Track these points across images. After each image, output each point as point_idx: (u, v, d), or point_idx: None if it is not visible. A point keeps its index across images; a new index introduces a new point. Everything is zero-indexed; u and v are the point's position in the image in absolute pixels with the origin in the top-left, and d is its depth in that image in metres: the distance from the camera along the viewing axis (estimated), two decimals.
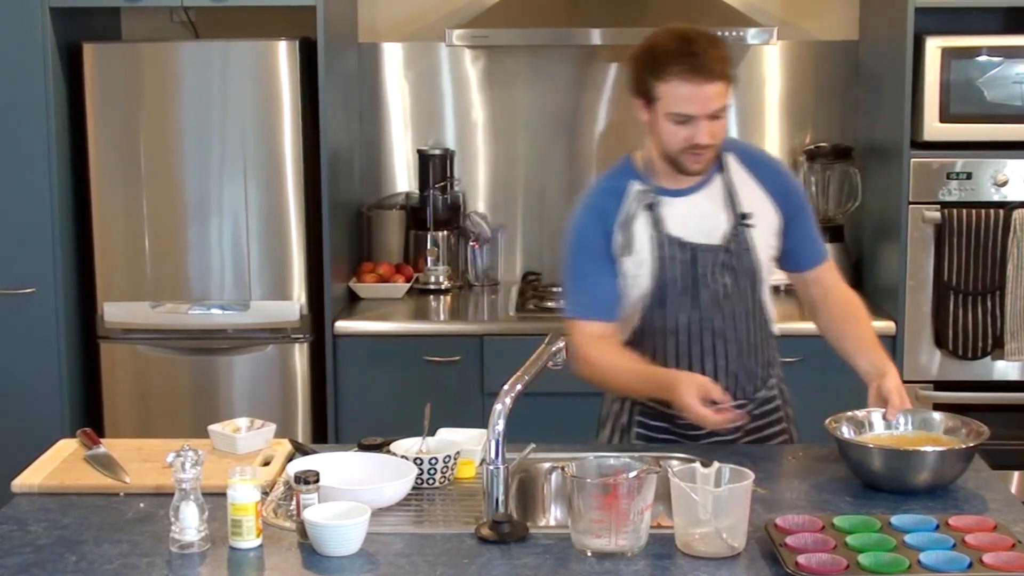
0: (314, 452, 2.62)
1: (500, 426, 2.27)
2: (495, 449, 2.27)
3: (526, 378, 2.37)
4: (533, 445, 2.44)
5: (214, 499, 2.22)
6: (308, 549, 2.18)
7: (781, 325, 2.88)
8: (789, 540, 2.12)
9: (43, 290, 4.00)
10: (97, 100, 4.00)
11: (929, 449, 2.42)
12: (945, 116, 3.92)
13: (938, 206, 3.94)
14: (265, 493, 2.36)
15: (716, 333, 2.70)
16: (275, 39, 3.97)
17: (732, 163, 2.71)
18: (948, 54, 3.89)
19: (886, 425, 2.57)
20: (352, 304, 4.27)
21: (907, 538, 2.14)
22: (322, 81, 3.98)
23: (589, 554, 2.14)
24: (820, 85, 4.51)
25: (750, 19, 4.17)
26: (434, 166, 4.47)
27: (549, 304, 4.22)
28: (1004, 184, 3.93)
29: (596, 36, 4.18)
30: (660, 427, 2.75)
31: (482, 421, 2.51)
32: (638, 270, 2.66)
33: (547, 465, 2.63)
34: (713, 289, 2.67)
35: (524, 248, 4.64)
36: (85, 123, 4.01)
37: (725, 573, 2.09)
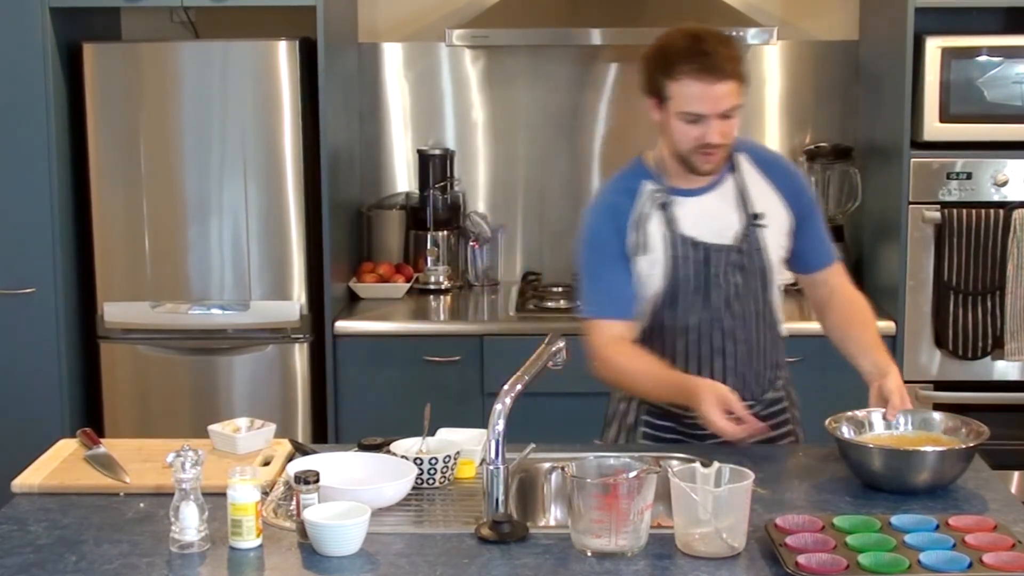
0: (314, 452, 2.62)
1: (500, 426, 2.27)
2: (495, 449, 2.27)
3: (526, 378, 2.37)
4: (533, 445, 2.44)
5: (214, 499, 2.22)
6: (308, 549, 2.18)
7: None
8: (789, 540, 2.12)
9: (43, 290, 4.00)
10: (97, 100, 4.00)
11: (929, 449, 2.42)
12: (945, 116, 3.92)
13: (938, 206, 3.94)
14: (265, 493, 2.36)
15: (726, 333, 2.70)
16: (275, 39, 3.97)
17: (744, 163, 2.72)
18: (948, 54, 3.90)
19: (886, 425, 2.57)
20: (352, 304, 4.27)
21: (907, 538, 2.14)
22: (322, 81, 3.98)
23: (589, 554, 2.14)
24: (820, 85, 4.51)
25: (750, 19, 4.17)
26: (434, 166, 4.47)
27: (549, 304, 4.22)
28: (1004, 184, 3.93)
29: (596, 36, 4.18)
30: (667, 427, 2.75)
31: (482, 421, 2.51)
32: (651, 269, 2.66)
33: (547, 465, 2.63)
34: (724, 289, 2.67)
35: (524, 248, 4.64)
36: (85, 123, 4.01)
37: (725, 573, 2.09)
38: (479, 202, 4.61)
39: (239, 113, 3.99)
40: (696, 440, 2.71)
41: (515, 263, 4.64)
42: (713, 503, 2.11)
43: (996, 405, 3.95)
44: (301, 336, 4.07)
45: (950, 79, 3.90)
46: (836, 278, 2.82)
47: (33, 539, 2.24)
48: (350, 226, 4.42)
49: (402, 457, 2.48)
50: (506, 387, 2.33)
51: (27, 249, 3.99)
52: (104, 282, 4.07)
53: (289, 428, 4.01)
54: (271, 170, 4.01)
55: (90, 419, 4.06)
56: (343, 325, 4.06)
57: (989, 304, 3.93)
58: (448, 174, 4.50)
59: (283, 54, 3.97)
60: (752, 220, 2.68)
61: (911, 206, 3.96)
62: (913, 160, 3.94)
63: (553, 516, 2.63)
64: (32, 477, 2.52)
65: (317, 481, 2.21)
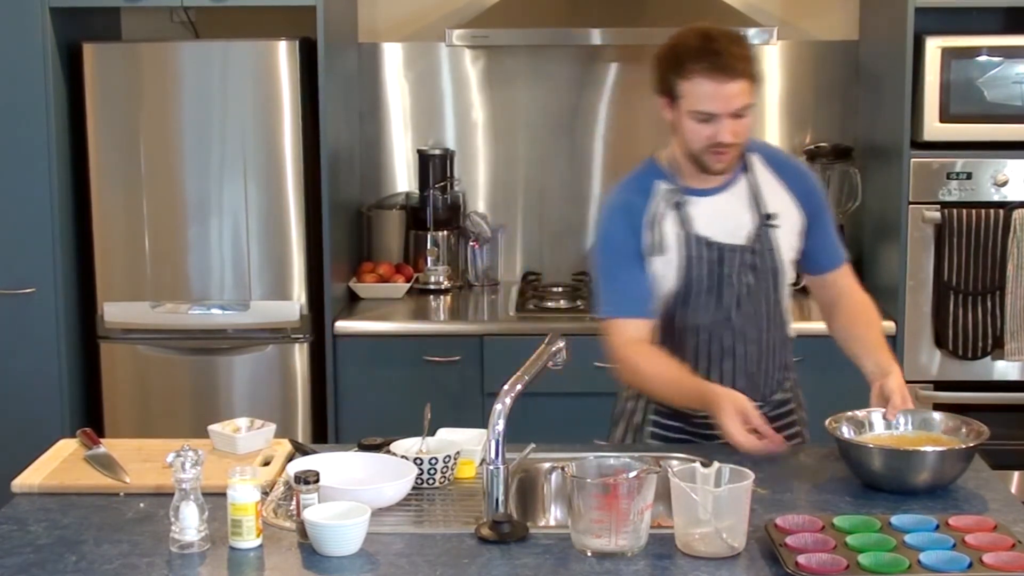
0: (314, 452, 2.62)
1: (500, 426, 2.27)
2: (495, 449, 2.27)
3: (526, 378, 2.37)
4: (533, 445, 2.44)
5: (214, 499, 2.22)
6: (308, 549, 2.18)
7: None
8: (789, 540, 2.12)
9: (43, 290, 4.00)
10: (97, 100, 4.00)
11: (929, 449, 2.42)
12: (945, 116, 3.92)
13: (938, 206, 3.94)
14: (265, 493, 2.36)
15: (736, 333, 2.70)
16: (275, 39, 3.97)
17: (757, 163, 2.72)
18: (948, 54, 3.90)
19: (886, 425, 2.57)
20: (352, 304, 4.27)
21: (907, 538, 2.14)
22: (322, 81, 3.98)
23: (589, 554, 2.14)
24: (820, 85, 4.51)
25: (750, 19, 4.17)
26: (434, 166, 4.47)
27: (549, 304, 4.22)
28: (1004, 184, 3.93)
29: (596, 36, 4.18)
30: (675, 427, 2.75)
31: (482, 421, 2.51)
32: (665, 269, 2.65)
33: (547, 465, 2.63)
34: (737, 289, 2.67)
35: (524, 248, 4.64)
36: (85, 123, 4.01)
37: (725, 573, 2.09)
38: (479, 202, 4.61)
39: (239, 113, 3.99)
40: (705, 440, 2.71)
41: (515, 263, 4.64)
42: (713, 503, 2.11)
43: (996, 405, 3.95)
44: (301, 336, 4.07)
45: (950, 79, 3.90)
46: (845, 279, 2.82)
47: (33, 539, 2.24)
48: (350, 226, 4.42)
49: (402, 457, 2.48)
50: (506, 387, 2.33)
51: (27, 249, 3.99)
52: (104, 282, 4.07)
53: (289, 428, 4.01)
54: (271, 170, 4.01)
55: (90, 419, 4.06)
56: (343, 325, 4.06)
57: (989, 304, 3.93)
58: (448, 174, 4.50)
59: (283, 54, 3.97)
60: (765, 220, 2.68)
61: (911, 206, 3.96)
62: (913, 160, 3.94)
63: (553, 516, 2.63)
64: (32, 477, 2.52)
65: (317, 481, 2.21)
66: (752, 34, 4.06)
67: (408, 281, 4.37)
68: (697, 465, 2.20)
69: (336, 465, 2.44)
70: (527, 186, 4.61)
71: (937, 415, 2.61)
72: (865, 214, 4.35)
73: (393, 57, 4.56)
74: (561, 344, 2.51)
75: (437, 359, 4.02)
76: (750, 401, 2.50)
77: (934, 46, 3.90)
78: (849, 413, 2.58)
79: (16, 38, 3.91)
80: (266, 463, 2.57)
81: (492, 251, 4.55)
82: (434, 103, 4.58)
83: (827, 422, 2.56)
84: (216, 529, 2.21)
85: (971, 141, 3.94)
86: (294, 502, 2.23)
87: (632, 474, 2.14)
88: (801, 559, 2.04)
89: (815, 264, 2.80)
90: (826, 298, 2.83)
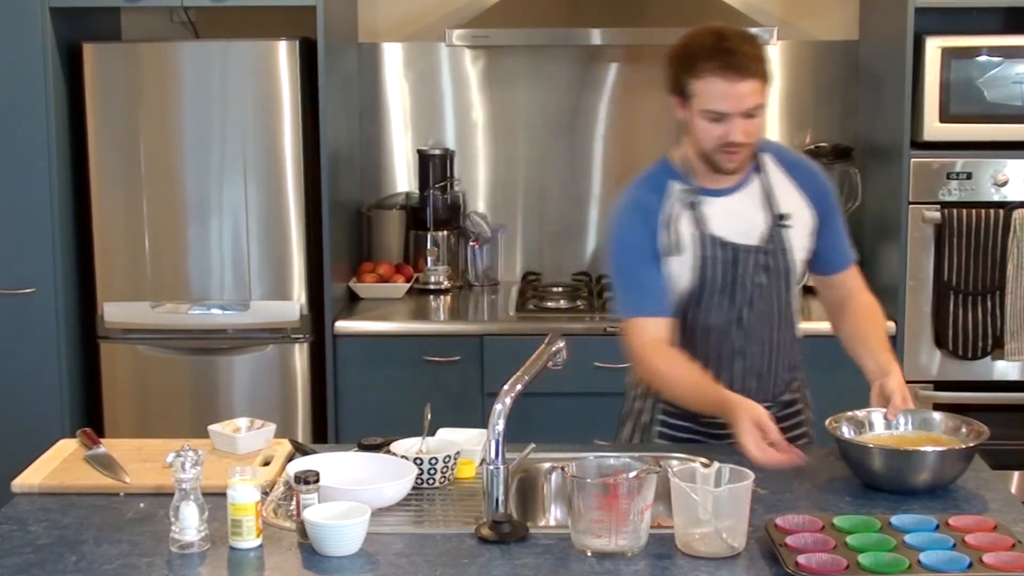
0: (314, 452, 2.62)
1: (500, 426, 2.27)
2: (495, 449, 2.27)
3: (526, 378, 2.37)
4: (533, 445, 2.44)
5: (214, 499, 2.22)
6: (308, 549, 2.18)
7: None
8: (789, 540, 2.12)
9: (43, 290, 4.00)
10: (97, 100, 4.00)
11: (929, 449, 2.42)
12: (945, 116, 3.92)
13: (938, 206, 3.94)
14: (265, 493, 2.36)
15: (748, 334, 2.70)
16: (275, 39, 3.97)
17: (769, 164, 2.72)
18: (948, 54, 3.90)
19: (886, 425, 2.57)
20: (352, 304, 4.27)
21: (907, 538, 2.14)
22: (322, 81, 3.98)
23: (589, 554, 2.14)
24: (820, 85, 4.51)
25: (750, 19, 4.17)
26: (434, 166, 4.47)
27: (549, 304, 4.22)
28: (1004, 184, 3.93)
29: (596, 36, 4.18)
30: (684, 426, 2.75)
31: (482, 421, 2.51)
32: (681, 269, 2.65)
33: (547, 465, 2.63)
34: (750, 290, 2.67)
35: (524, 248, 4.64)
36: (85, 123, 4.01)
37: (725, 573, 2.09)
38: (479, 202, 4.61)
39: (239, 113, 3.99)
40: (714, 440, 2.70)
41: (515, 263, 4.64)
42: (713, 503, 2.11)
43: (996, 405, 3.95)
44: (301, 336, 4.07)
45: (950, 79, 3.90)
46: (853, 280, 2.82)
47: (33, 539, 2.24)
48: (350, 226, 4.42)
49: (402, 457, 2.48)
50: (506, 387, 2.33)
51: (27, 249, 3.99)
52: (104, 282, 4.07)
53: (289, 428, 4.01)
54: (271, 170, 4.01)
55: (90, 419, 4.06)
56: (343, 325, 4.06)
57: (989, 304, 3.93)
58: (448, 174, 4.50)
59: (283, 54, 3.96)
60: (778, 220, 2.68)
61: (911, 206, 3.96)
62: (913, 160, 3.94)
63: (553, 516, 2.63)
64: (32, 477, 2.52)
65: (317, 481, 2.21)
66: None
67: (408, 281, 4.37)
68: (697, 465, 2.20)
69: (336, 465, 2.44)
70: (527, 186, 4.61)
71: (937, 415, 2.61)
72: (865, 214, 4.35)
73: (393, 57, 4.56)
74: (561, 344, 2.51)
75: (437, 359, 4.02)
76: (767, 411, 2.46)
77: (934, 46, 3.90)
78: (849, 413, 2.58)
79: (16, 38, 3.91)
80: (266, 463, 2.57)
81: (492, 251, 4.55)
82: (434, 103, 4.58)
83: (827, 422, 2.56)
84: (216, 529, 2.21)
85: (971, 141, 3.94)
86: (294, 502, 2.23)
87: (632, 474, 2.14)
88: (801, 559, 2.04)
89: (825, 264, 2.80)
90: (834, 298, 2.83)
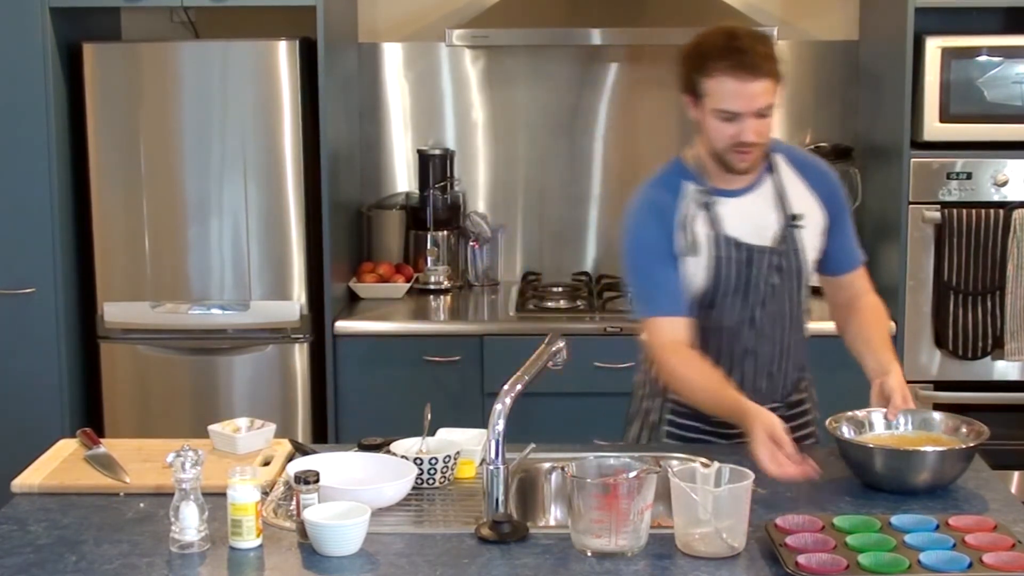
0: (314, 452, 2.62)
1: (500, 426, 2.27)
2: (495, 449, 2.27)
3: (526, 378, 2.37)
4: (533, 445, 2.44)
5: (214, 499, 2.22)
6: (308, 549, 2.18)
7: None
8: (789, 540, 2.12)
9: (43, 290, 4.00)
10: (97, 100, 4.00)
11: (929, 449, 2.42)
12: (945, 116, 3.92)
13: (938, 206, 3.94)
14: (265, 493, 2.36)
15: (759, 334, 2.70)
16: (275, 39, 3.97)
17: (781, 164, 2.71)
18: (948, 54, 3.90)
19: (886, 425, 2.57)
20: (352, 304, 4.27)
21: (907, 538, 2.14)
22: (322, 81, 3.98)
23: (589, 554, 2.14)
24: (820, 85, 4.51)
25: (750, 19, 4.17)
26: (434, 166, 4.47)
27: (549, 304, 4.22)
28: (1004, 184, 3.93)
29: (596, 36, 4.18)
30: (692, 426, 2.75)
31: (482, 421, 2.51)
32: (696, 269, 2.65)
33: (547, 465, 2.63)
34: (763, 290, 2.67)
35: (524, 248, 4.64)
36: (85, 123, 4.01)
37: (725, 573, 2.09)
38: (479, 202, 4.61)
39: (239, 113, 3.99)
40: (723, 440, 2.70)
41: (515, 263, 4.64)
42: (713, 503, 2.11)
43: (996, 405, 3.95)
44: (301, 336, 4.07)
45: (950, 79, 3.90)
46: (860, 281, 2.82)
47: (33, 539, 2.24)
48: (350, 226, 4.42)
49: (402, 457, 2.48)
50: (506, 387, 2.33)
51: (27, 249, 3.99)
52: (104, 282, 4.07)
53: (289, 428, 4.01)
54: (271, 170, 4.01)
55: (90, 419, 4.06)
56: (343, 325, 4.06)
57: (989, 304, 3.93)
58: (448, 174, 4.50)
59: (283, 54, 3.96)
60: (790, 221, 2.68)
61: (911, 206, 3.96)
62: (913, 160, 3.94)
63: (553, 516, 2.63)
64: (32, 477, 2.52)
65: (317, 481, 2.21)
66: None
67: (408, 281, 4.37)
68: (697, 465, 2.20)
69: (336, 465, 2.44)
70: (527, 186, 4.61)
71: (937, 415, 2.61)
72: (865, 214, 4.35)
73: (393, 57, 4.56)
74: (561, 344, 2.51)
75: (437, 359, 4.02)
76: (781, 422, 2.44)
77: (934, 46, 3.90)
78: (849, 413, 2.58)
79: (16, 38, 3.91)
80: (266, 463, 2.57)
81: (492, 251, 4.55)
82: (434, 103, 4.58)
83: (827, 422, 2.56)
84: (216, 529, 2.21)
85: (971, 141, 3.94)
86: (294, 502, 2.23)
87: (632, 474, 2.14)
88: (801, 559, 2.04)
89: (834, 265, 2.80)
90: (840, 299, 2.83)
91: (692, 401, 2.68)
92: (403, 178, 4.61)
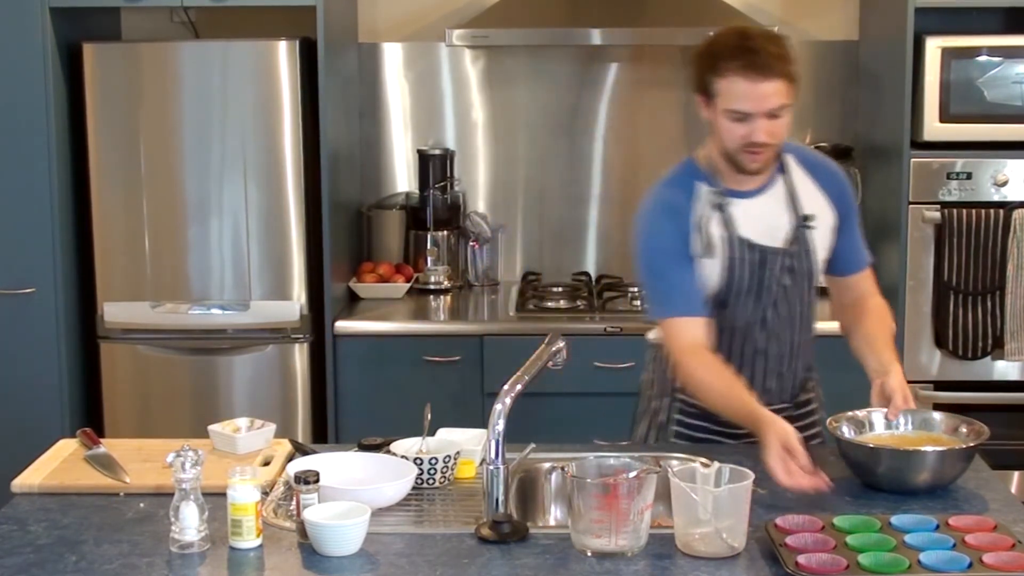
0: (314, 452, 2.62)
1: (500, 426, 2.27)
2: (495, 449, 2.27)
3: (526, 378, 2.37)
4: (533, 445, 2.44)
5: (214, 499, 2.22)
6: (308, 549, 2.18)
7: None
8: (789, 540, 2.12)
9: (43, 290, 4.00)
10: (97, 100, 4.00)
11: (929, 449, 2.42)
12: (945, 116, 3.92)
13: (938, 206, 3.94)
14: (265, 493, 2.36)
15: (770, 335, 2.70)
16: (275, 39, 3.97)
17: (792, 164, 2.71)
18: (948, 54, 3.90)
19: (886, 425, 2.57)
20: (352, 304, 4.27)
21: (907, 538, 2.14)
22: (322, 81, 3.98)
23: (589, 554, 2.14)
24: (820, 85, 4.51)
25: (750, 19, 4.17)
26: (434, 166, 4.47)
27: (549, 304, 4.22)
28: (1004, 184, 3.93)
29: (596, 36, 4.18)
30: (700, 426, 2.75)
31: (482, 421, 2.51)
32: (710, 270, 2.64)
33: (547, 465, 2.63)
34: (775, 291, 2.67)
35: (524, 248, 4.64)
36: (85, 123, 4.01)
37: (725, 573, 2.09)
38: (479, 202, 4.61)
39: (239, 113, 3.99)
40: (731, 440, 2.70)
41: (515, 263, 4.64)
42: (713, 503, 2.11)
43: (996, 405, 3.95)
44: (301, 336, 4.07)
45: (950, 79, 3.90)
46: (866, 282, 2.82)
47: (33, 539, 2.24)
48: (350, 226, 4.42)
49: (402, 457, 2.48)
50: (506, 387, 2.33)
51: (27, 249, 3.99)
52: (104, 282, 4.07)
53: (289, 428, 4.01)
54: (271, 170, 4.01)
55: (90, 419, 4.06)
56: (343, 325, 4.06)
57: (989, 304, 3.93)
58: (448, 174, 4.50)
59: (283, 54, 3.96)
60: (802, 222, 2.68)
61: (911, 206, 3.96)
62: (913, 160, 3.94)
63: (553, 516, 2.63)
64: (32, 477, 2.52)
65: (317, 481, 2.21)
66: None
67: (408, 281, 4.37)
68: (697, 465, 2.20)
69: (336, 465, 2.44)
70: (527, 186, 4.61)
71: (937, 415, 2.61)
72: (865, 214, 4.31)
73: (393, 57, 4.56)
74: (561, 344, 2.51)
75: (437, 359, 4.02)
76: (796, 432, 2.42)
77: (934, 46, 3.90)
78: (849, 413, 2.58)
79: (16, 38, 3.91)
80: (266, 463, 2.57)
81: (492, 251, 4.55)
82: (434, 103, 4.58)
83: (827, 422, 2.56)
84: (216, 529, 2.21)
85: (971, 141, 3.94)
86: (294, 502, 2.23)
87: (632, 474, 2.14)
88: (801, 559, 2.04)
89: (842, 266, 2.79)
90: (846, 300, 2.82)
91: (708, 405, 2.66)
92: (403, 178, 4.61)
